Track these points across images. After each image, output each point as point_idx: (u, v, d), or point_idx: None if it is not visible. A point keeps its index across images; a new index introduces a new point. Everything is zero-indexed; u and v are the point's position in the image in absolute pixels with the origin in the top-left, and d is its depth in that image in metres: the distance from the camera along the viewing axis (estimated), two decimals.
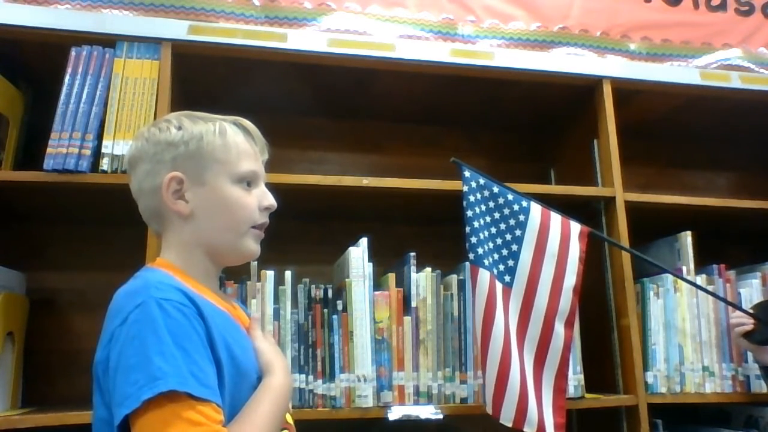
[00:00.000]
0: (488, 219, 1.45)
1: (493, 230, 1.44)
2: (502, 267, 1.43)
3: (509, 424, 1.34)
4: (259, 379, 0.90)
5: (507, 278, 1.42)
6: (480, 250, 1.40)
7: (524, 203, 1.46)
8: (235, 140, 0.95)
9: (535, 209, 1.46)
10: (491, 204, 1.45)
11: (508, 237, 1.44)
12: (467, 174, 1.45)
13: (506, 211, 1.45)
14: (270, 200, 0.98)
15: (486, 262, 1.40)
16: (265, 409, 0.85)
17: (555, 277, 1.43)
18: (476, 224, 1.42)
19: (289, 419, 0.96)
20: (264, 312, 1.42)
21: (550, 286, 1.42)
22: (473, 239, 1.40)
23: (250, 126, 0.99)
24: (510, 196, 1.46)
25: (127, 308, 0.79)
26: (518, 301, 1.42)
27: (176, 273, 0.90)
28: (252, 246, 0.96)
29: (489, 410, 1.36)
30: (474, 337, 1.42)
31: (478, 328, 1.37)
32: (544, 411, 1.37)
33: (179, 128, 0.94)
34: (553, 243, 1.44)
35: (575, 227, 1.48)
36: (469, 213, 1.42)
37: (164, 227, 0.95)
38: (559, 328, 1.41)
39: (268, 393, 0.87)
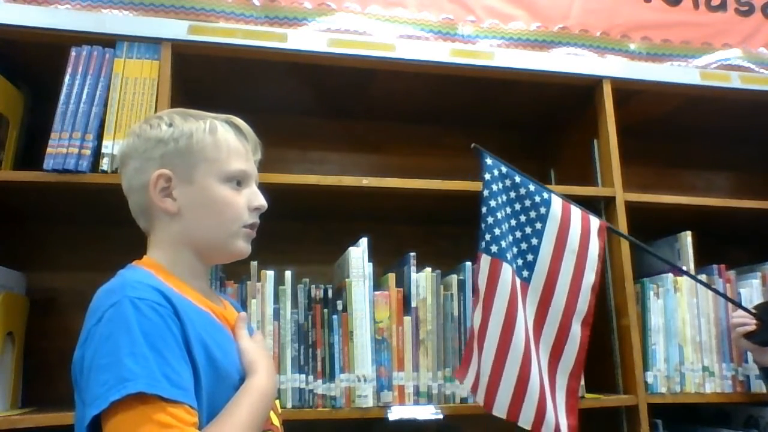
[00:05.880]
0: (509, 210, 1.38)
1: (513, 222, 1.38)
2: (520, 261, 1.36)
3: (528, 427, 1.30)
4: (242, 379, 0.88)
5: (525, 273, 1.36)
6: (503, 243, 1.33)
7: (545, 195, 1.39)
8: (225, 138, 0.94)
9: (556, 202, 1.39)
10: (512, 194, 1.38)
11: (528, 230, 1.38)
12: (489, 161, 1.38)
13: (527, 203, 1.38)
14: (260, 200, 0.96)
15: (508, 255, 1.33)
16: (243, 410, 0.83)
17: (574, 275, 1.36)
18: (499, 215, 1.35)
19: (275, 420, 0.94)
20: (264, 312, 1.42)
21: (569, 284, 1.36)
22: (496, 231, 1.33)
23: (243, 124, 0.98)
24: (531, 187, 1.39)
25: (102, 307, 0.79)
26: (536, 298, 1.36)
27: (159, 272, 0.89)
28: (241, 245, 0.95)
29: (502, 414, 1.30)
30: (481, 333, 1.33)
31: (497, 326, 1.30)
32: (558, 413, 1.32)
33: (170, 125, 0.93)
34: (574, 238, 1.38)
35: (594, 222, 1.41)
36: (492, 203, 1.34)
37: (152, 225, 0.94)
38: (576, 328, 1.36)
39: (248, 394, 0.86)
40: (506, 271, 1.32)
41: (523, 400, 1.29)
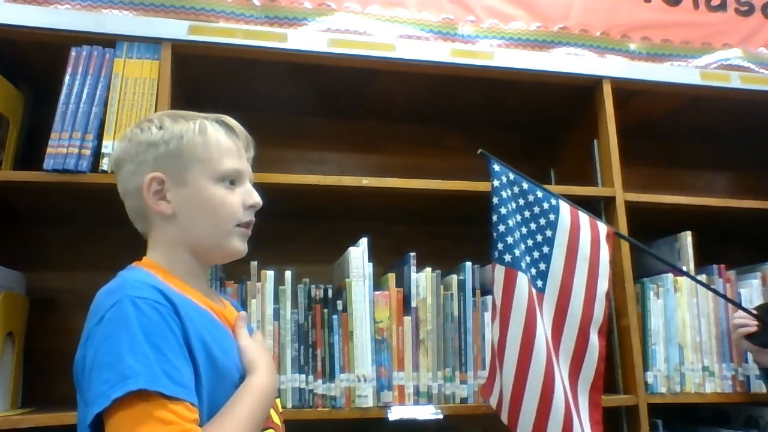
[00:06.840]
0: (519, 218, 1.34)
1: (524, 230, 1.34)
2: (534, 271, 1.33)
3: None
4: (242, 378, 0.89)
5: (539, 283, 1.32)
6: (517, 252, 1.29)
7: (553, 201, 1.36)
8: (216, 138, 0.94)
9: (564, 208, 1.36)
10: (521, 201, 1.35)
11: (539, 238, 1.34)
12: (497, 168, 1.34)
13: (536, 210, 1.35)
14: (255, 198, 0.96)
15: (523, 264, 1.30)
16: (243, 408, 0.83)
17: (588, 283, 1.33)
18: (511, 223, 1.31)
19: (276, 419, 0.94)
20: (264, 312, 1.42)
21: (584, 292, 1.32)
22: (509, 239, 1.29)
23: (233, 122, 0.98)
24: (539, 194, 1.36)
25: (103, 307, 0.79)
26: (551, 308, 1.32)
27: (158, 272, 0.89)
28: (237, 244, 0.95)
29: None
30: (500, 347, 1.30)
31: (516, 340, 1.26)
32: (584, 428, 1.28)
33: (160, 128, 0.93)
34: (584, 245, 1.35)
35: (603, 228, 1.39)
36: (503, 211, 1.31)
37: (149, 227, 0.95)
38: (594, 337, 1.31)
39: (248, 392, 0.86)
40: (522, 280, 1.28)
41: (548, 418, 1.24)
